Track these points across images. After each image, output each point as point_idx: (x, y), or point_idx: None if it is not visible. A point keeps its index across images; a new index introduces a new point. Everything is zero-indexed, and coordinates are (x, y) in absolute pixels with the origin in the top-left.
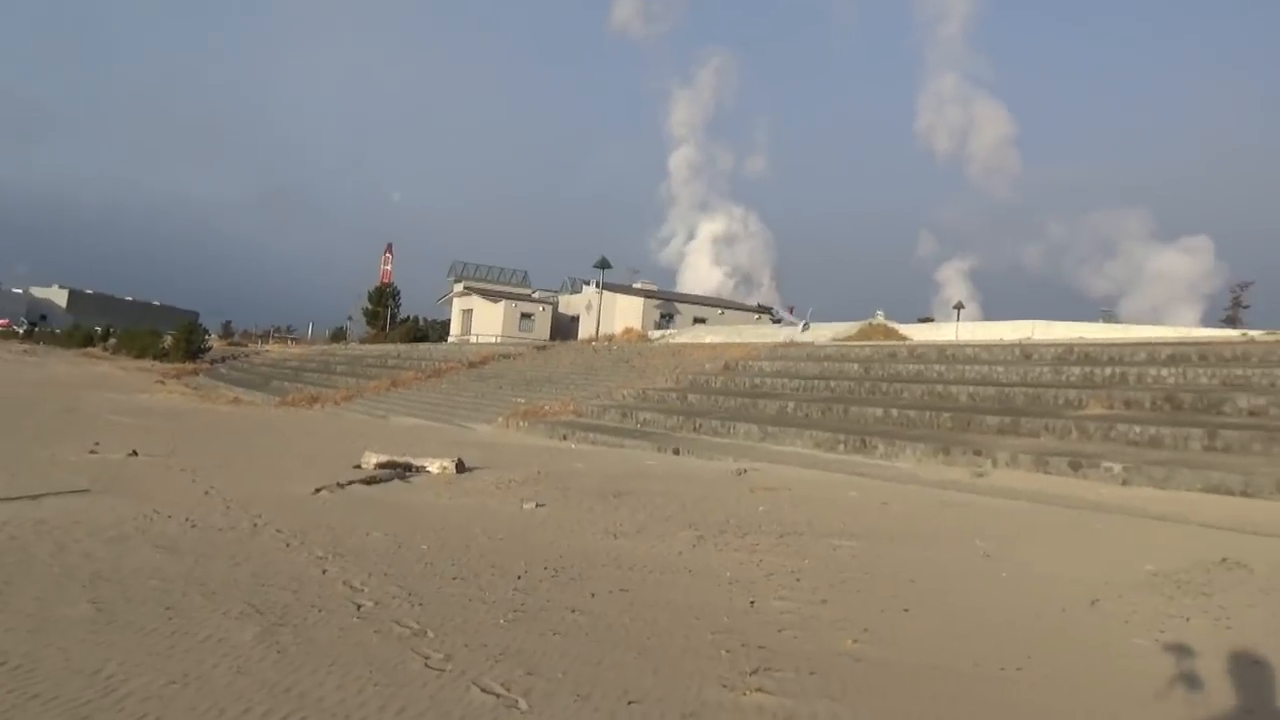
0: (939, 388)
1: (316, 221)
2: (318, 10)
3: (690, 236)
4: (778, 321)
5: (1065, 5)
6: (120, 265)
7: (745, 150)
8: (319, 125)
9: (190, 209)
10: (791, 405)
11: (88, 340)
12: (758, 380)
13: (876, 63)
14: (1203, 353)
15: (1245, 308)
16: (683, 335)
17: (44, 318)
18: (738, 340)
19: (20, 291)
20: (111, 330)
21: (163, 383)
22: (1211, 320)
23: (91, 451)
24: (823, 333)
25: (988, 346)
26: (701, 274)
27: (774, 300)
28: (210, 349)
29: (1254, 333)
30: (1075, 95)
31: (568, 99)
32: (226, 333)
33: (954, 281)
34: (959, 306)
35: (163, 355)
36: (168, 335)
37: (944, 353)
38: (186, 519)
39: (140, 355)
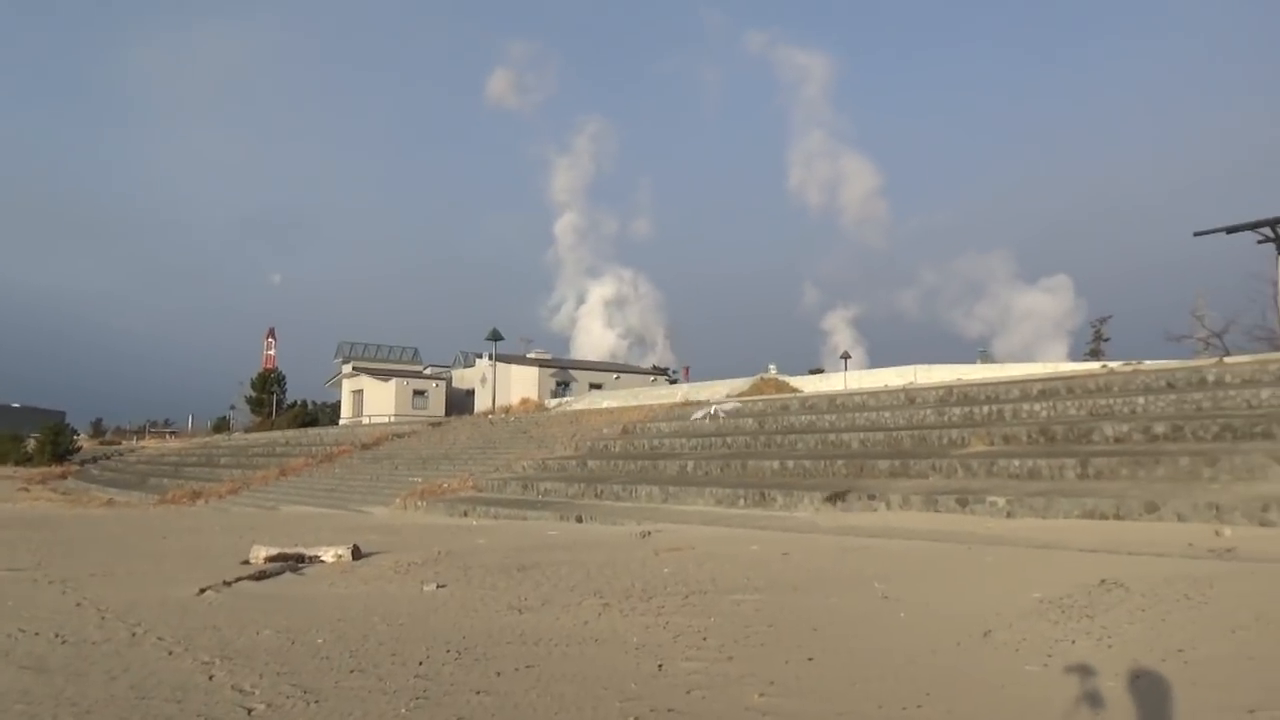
0: (831, 436)
1: (192, 309)
2: (184, 98)
3: (580, 301)
4: (674, 382)
5: (915, 65)
6: None
7: (629, 213)
8: (190, 212)
9: (52, 302)
10: (691, 464)
11: None
12: (657, 442)
13: (746, 123)
14: (1070, 386)
15: (1106, 340)
16: (580, 402)
17: None
18: (634, 403)
19: None
20: None
21: (27, 489)
22: (1077, 354)
23: None
24: (718, 390)
25: (875, 393)
26: (595, 338)
27: (669, 360)
28: (79, 450)
29: (1114, 364)
30: (933, 145)
31: (448, 172)
32: (97, 431)
33: (840, 330)
34: (846, 356)
35: (26, 460)
36: (31, 438)
37: (834, 402)
38: (56, 634)
39: (1, 462)
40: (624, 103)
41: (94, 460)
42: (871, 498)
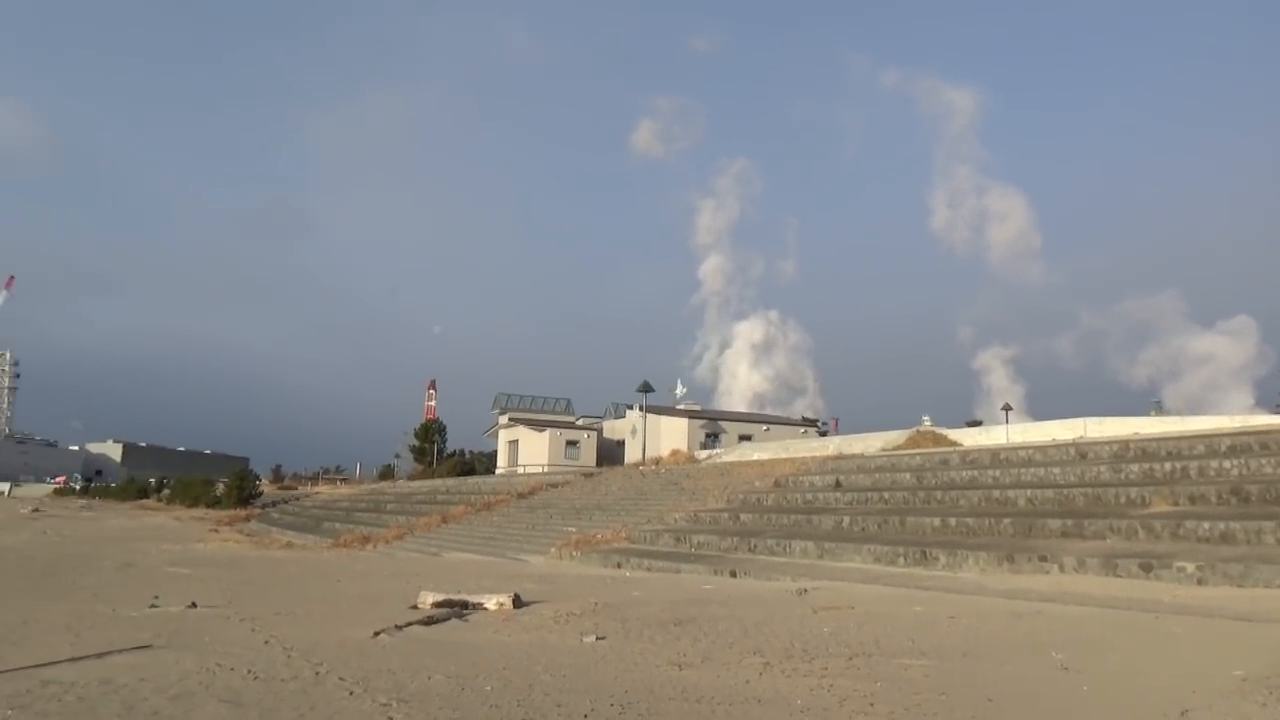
0: (996, 493)
1: (360, 361)
2: (350, 158)
3: (726, 346)
4: (824, 434)
5: (1071, 93)
6: (172, 416)
7: (775, 255)
8: (359, 268)
9: (237, 357)
10: (846, 520)
11: (142, 493)
12: (810, 496)
13: (890, 160)
14: (1264, 441)
15: None
16: (730, 454)
17: (99, 473)
18: (785, 456)
19: (77, 448)
20: (165, 481)
21: (217, 531)
22: (1265, 405)
23: (152, 605)
24: (871, 443)
25: (1041, 448)
26: (740, 381)
27: (819, 408)
28: (261, 494)
29: None
30: (1090, 177)
31: (596, 224)
32: (277, 476)
33: (995, 369)
34: (1007, 408)
35: (216, 503)
36: (220, 483)
37: (997, 457)
38: (249, 670)
39: (194, 504)
40: (768, 146)
41: (274, 504)
42: (1043, 559)
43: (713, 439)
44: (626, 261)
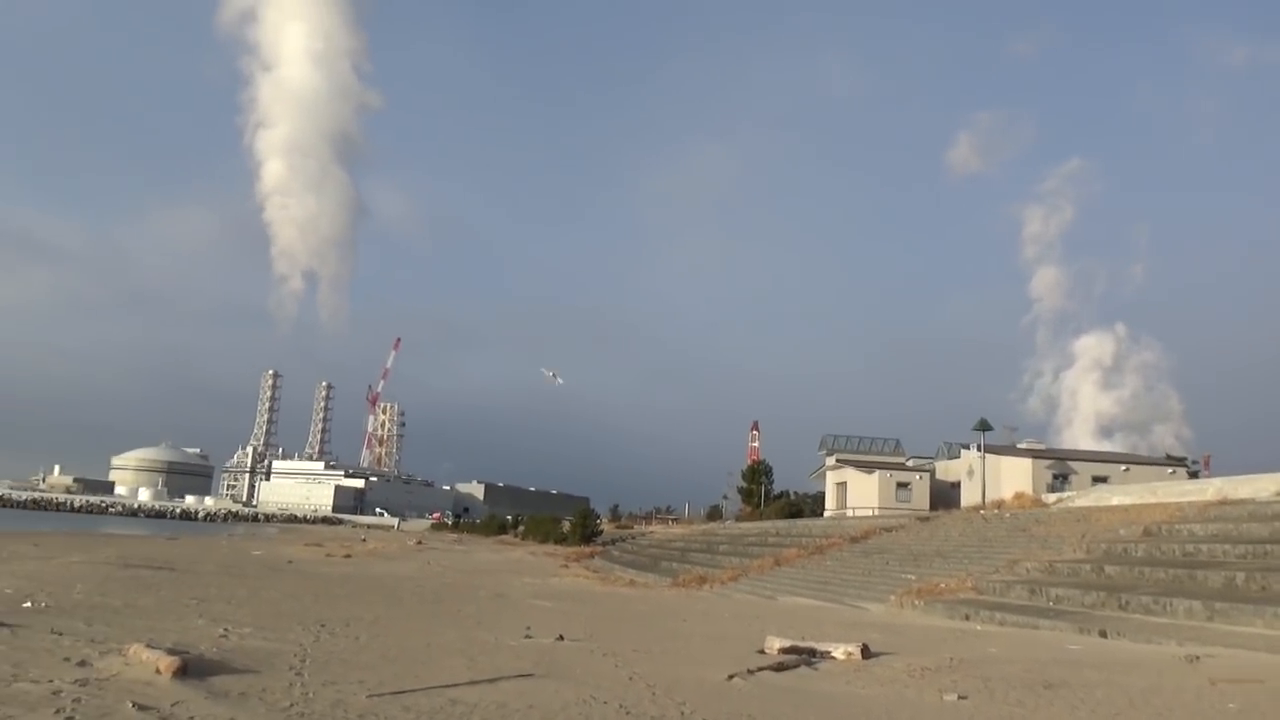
0: None
1: (686, 404)
2: (673, 205)
3: (1061, 370)
4: (1194, 475)
5: None
6: (524, 458)
7: (1120, 261)
8: (683, 312)
9: (578, 403)
10: (1242, 576)
11: (501, 528)
12: (1190, 547)
13: (1252, 143)
14: None
15: None
16: (1084, 498)
17: (466, 510)
18: (1154, 500)
19: (448, 488)
20: (519, 518)
21: (567, 566)
22: None
23: (526, 636)
24: (1263, 485)
25: None
26: (1084, 407)
27: (1184, 437)
28: (602, 532)
29: None
30: None
31: (916, 250)
32: (614, 515)
33: None
34: None
35: (562, 539)
36: (566, 521)
37: None
38: (620, 705)
39: (544, 540)
40: (1105, 142)
41: (613, 542)
42: None
43: (1060, 480)
44: (949, 289)
